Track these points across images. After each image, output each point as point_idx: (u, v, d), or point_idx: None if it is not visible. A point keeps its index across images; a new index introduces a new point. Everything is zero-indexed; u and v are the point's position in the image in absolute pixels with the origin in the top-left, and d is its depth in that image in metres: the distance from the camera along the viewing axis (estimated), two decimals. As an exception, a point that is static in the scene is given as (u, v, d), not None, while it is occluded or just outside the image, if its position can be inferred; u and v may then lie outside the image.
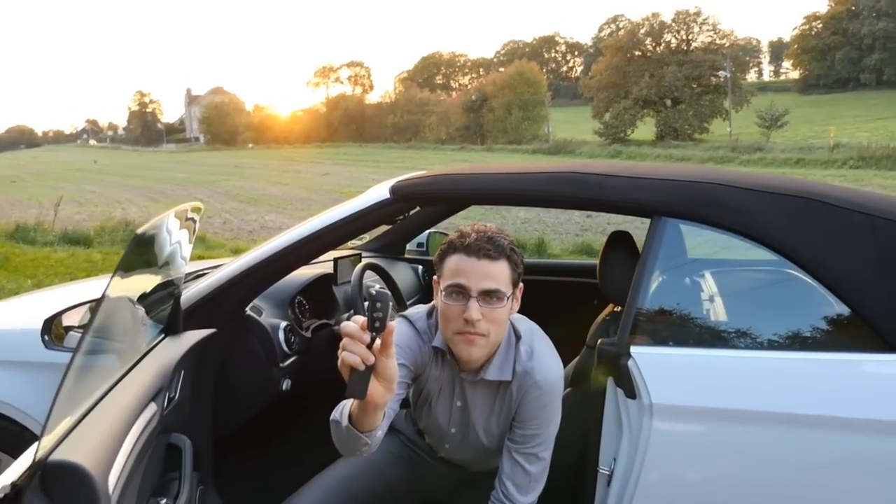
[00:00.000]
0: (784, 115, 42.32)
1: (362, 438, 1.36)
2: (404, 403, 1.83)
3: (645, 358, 1.77)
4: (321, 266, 2.80)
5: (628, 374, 1.77)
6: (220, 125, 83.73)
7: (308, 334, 2.45)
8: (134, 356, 1.67)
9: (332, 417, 1.45)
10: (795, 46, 75.92)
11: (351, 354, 1.15)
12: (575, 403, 1.96)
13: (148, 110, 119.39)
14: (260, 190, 24.73)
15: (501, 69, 72.82)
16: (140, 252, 1.49)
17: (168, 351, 1.76)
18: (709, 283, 2.10)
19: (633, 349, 1.78)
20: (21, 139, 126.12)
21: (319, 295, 2.68)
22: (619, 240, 2.18)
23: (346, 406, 1.40)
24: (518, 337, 1.71)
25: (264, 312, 2.30)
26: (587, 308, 2.50)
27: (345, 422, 1.37)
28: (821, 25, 72.61)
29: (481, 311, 1.54)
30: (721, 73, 51.50)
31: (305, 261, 2.14)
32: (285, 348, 2.23)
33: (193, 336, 1.88)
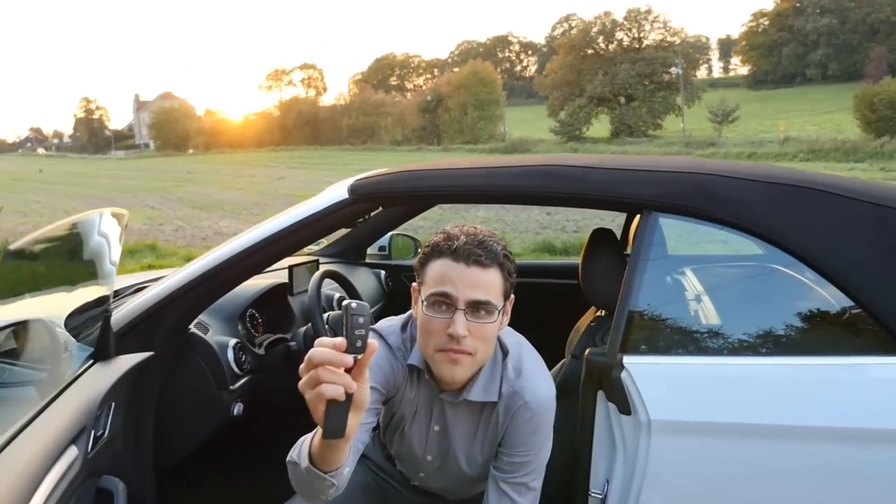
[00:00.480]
0: (735, 110, 43.13)
1: (327, 480, 1.15)
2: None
3: (640, 369, 1.60)
4: (274, 275, 2.57)
5: (621, 387, 1.59)
6: (171, 131, 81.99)
7: (261, 351, 2.21)
8: (54, 388, 1.43)
9: (288, 459, 1.23)
10: (743, 43, 77.78)
11: (332, 386, 0.96)
12: (560, 421, 1.76)
13: (95, 117, 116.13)
14: (213, 196, 24.13)
15: (456, 69, 72.88)
16: (16, 269, 1.24)
17: (95, 381, 1.52)
18: (702, 283, 1.94)
19: (626, 359, 1.61)
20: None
21: (273, 307, 2.44)
22: (603, 238, 2.01)
23: (304, 444, 1.19)
24: (505, 352, 1.51)
25: (211, 329, 2.06)
26: (565, 312, 2.32)
27: (304, 463, 1.15)
28: (767, 22, 74.54)
29: (468, 325, 1.34)
30: (673, 70, 52.39)
31: (257, 270, 1.91)
32: (235, 368, 2.00)
33: (127, 361, 1.64)
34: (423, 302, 1.38)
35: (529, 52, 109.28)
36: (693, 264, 1.97)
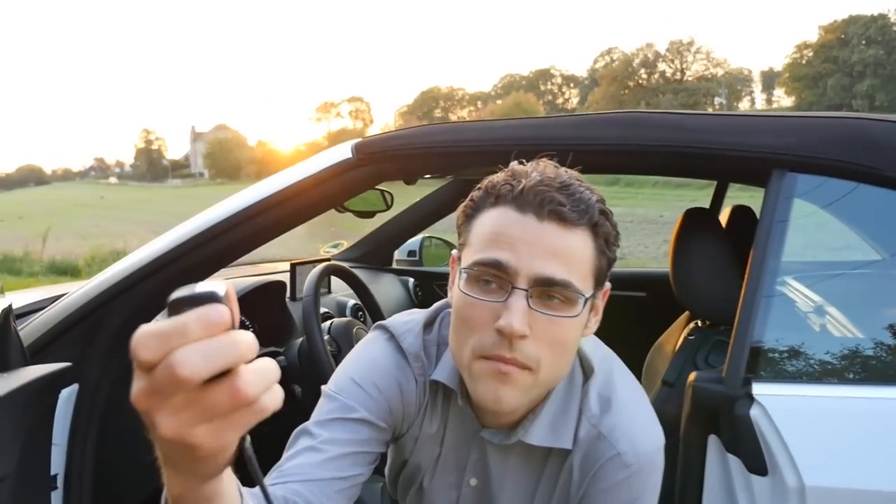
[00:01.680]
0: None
1: None
2: (377, 470, 1.02)
3: (781, 404, 1.05)
4: (273, 275, 2.07)
5: (751, 431, 1.04)
6: (224, 160, 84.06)
7: (244, 369, 1.71)
8: None
9: None
10: (787, 75, 76.45)
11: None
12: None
13: (154, 147, 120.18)
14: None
15: (499, 101, 73.02)
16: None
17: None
18: (858, 281, 1.36)
19: (758, 389, 1.06)
20: (30, 177, 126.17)
21: (269, 313, 1.93)
22: (701, 221, 1.46)
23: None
24: (587, 374, 0.94)
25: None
26: (631, 325, 1.77)
27: None
28: (811, 54, 73.17)
29: (532, 317, 0.79)
30: (716, 100, 51.73)
31: (237, 251, 1.41)
32: None
33: (28, 374, 1.15)
34: (461, 275, 0.85)
35: (571, 85, 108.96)
36: (844, 251, 1.40)
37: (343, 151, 1.36)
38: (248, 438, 0.50)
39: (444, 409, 0.99)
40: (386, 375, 0.96)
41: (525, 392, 0.83)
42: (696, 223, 1.44)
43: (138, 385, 0.45)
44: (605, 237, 0.83)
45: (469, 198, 0.88)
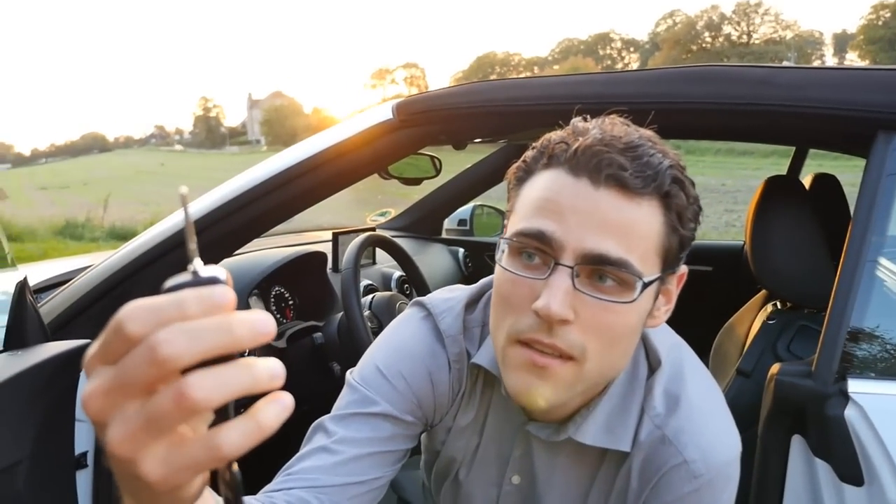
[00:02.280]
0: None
1: None
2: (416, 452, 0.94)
3: (882, 405, 0.90)
4: (316, 244, 1.98)
5: (846, 435, 0.90)
6: (280, 127, 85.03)
7: (282, 343, 1.62)
8: None
9: None
10: (861, 37, 72.66)
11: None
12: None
13: (212, 115, 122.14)
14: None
15: (556, 67, 71.64)
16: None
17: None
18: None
19: (854, 386, 0.91)
20: (94, 145, 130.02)
21: (310, 286, 1.85)
22: (785, 191, 1.30)
23: None
24: (653, 367, 0.81)
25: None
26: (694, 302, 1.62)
27: None
28: (889, 14, 69.20)
29: (577, 300, 0.66)
30: (785, 65, 49.91)
31: (267, 224, 1.31)
32: None
33: (47, 350, 1.08)
34: (502, 246, 0.73)
35: (631, 49, 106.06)
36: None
37: (384, 112, 1.24)
38: (236, 469, 0.38)
39: (484, 396, 0.88)
40: (415, 363, 0.85)
41: (565, 388, 0.70)
42: (779, 192, 1.28)
43: (98, 379, 0.34)
44: (679, 211, 0.69)
45: (522, 158, 0.75)
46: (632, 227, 0.67)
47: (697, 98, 1.06)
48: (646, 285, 0.67)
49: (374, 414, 0.83)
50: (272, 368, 0.35)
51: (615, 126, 0.71)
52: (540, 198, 0.69)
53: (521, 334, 0.69)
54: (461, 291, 0.91)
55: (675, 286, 0.75)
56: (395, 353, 0.86)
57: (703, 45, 56.07)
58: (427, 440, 0.96)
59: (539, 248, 0.68)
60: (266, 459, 1.93)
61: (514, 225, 0.72)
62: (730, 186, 15.06)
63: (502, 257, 0.72)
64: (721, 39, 56.37)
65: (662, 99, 1.08)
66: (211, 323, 0.33)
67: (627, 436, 0.79)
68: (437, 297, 0.91)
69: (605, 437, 0.79)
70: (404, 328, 0.89)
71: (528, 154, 0.75)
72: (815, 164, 1.92)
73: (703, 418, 0.78)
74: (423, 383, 0.85)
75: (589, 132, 0.69)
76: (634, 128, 0.71)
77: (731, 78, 1.06)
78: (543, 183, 0.70)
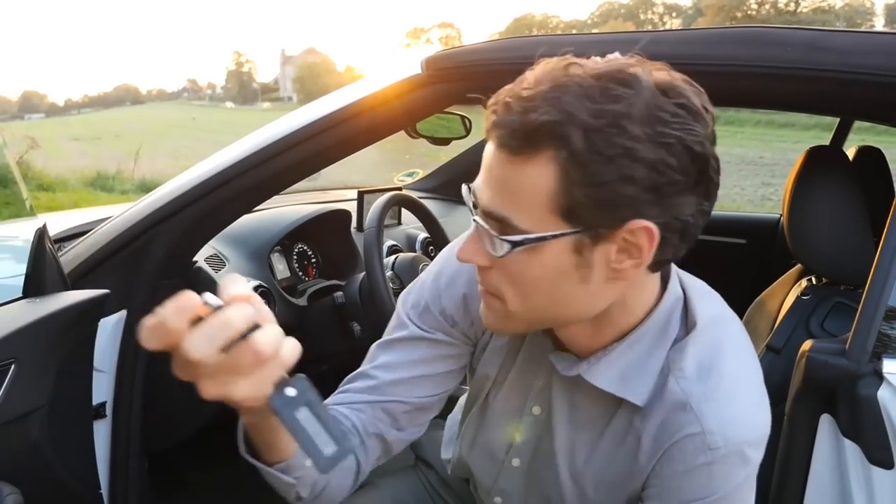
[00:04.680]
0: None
1: (281, 478, 0.77)
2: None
3: (919, 387, 0.86)
4: (342, 202, 1.97)
5: (878, 415, 0.87)
6: (313, 85, 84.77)
7: (302, 302, 1.61)
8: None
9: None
10: (915, 7, 69.96)
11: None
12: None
13: (244, 70, 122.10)
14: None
15: (595, 31, 70.34)
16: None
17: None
18: None
19: (889, 367, 0.88)
20: (127, 97, 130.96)
21: (334, 245, 1.84)
22: (828, 162, 1.24)
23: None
24: (690, 327, 0.78)
25: (228, 265, 1.48)
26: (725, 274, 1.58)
27: (241, 448, 0.78)
28: (946, -16, 66.50)
29: (487, 251, 0.71)
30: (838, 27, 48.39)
31: (289, 180, 1.29)
32: None
33: (59, 301, 1.08)
34: None
35: (674, 14, 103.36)
36: None
37: (412, 67, 1.21)
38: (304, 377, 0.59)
39: None
40: (451, 284, 0.89)
41: (502, 320, 0.77)
42: (821, 164, 1.23)
43: (174, 362, 0.57)
44: (580, 164, 0.63)
45: None
46: (516, 185, 0.67)
47: (741, 60, 1.01)
48: (518, 243, 0.67)
49: (407, 338, 0.89)
50: (244, 315, 0.56)
51: (536, 72, 0.68)
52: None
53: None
54: None
55: (639, 240, 0.67)
56: (435, 275, 0.91)
57: (749, 13, 54.48)
58: (470, 359, 0.96)
59: (474, 203, 0.73)
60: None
61: None
62: (768, 159, 14.72)
63: None
64: (767, 7, 54.72)
65: (704, 61, 1.03)
66: (216, 324, 0.55)
67: (643, 389, 0.77)
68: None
69: (618, 384, 0.78)
70: (448, 250, 0.93)
71: None
72: (858, 139, 1.85)
73: (732, 392, 0.76)
74: (457, 302, 0.88)
75: (508, 88, 0.68)
76: (564, 70, 0.66)
77: (778, 40, 1.00)
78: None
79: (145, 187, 11.00)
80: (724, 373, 0.76)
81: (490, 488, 0.97)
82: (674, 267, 0.80)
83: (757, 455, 0.76)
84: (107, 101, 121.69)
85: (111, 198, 10.14)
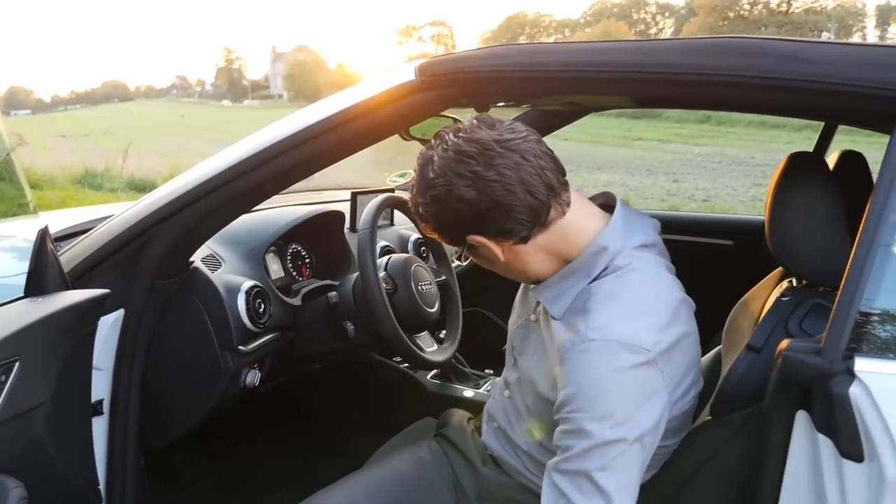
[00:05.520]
0: None
1: None
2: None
3: (888, 385, 0.90)
4: (335, 203, 1.99)
5: (849, 412, 0.91)
6: (304, 82, 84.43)
7: (296, 301, 1.64)
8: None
9: None
10: (905, 8, 70.46)
11: None
12: (725, 454, 1.11)
13: (234, 67, 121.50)
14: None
15: (588, 30, 70.45)
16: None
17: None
18: None
19: (861, 365, 0.92)
20: (115, 93, 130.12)
21: (328, 245, 1.87)
22: (807, 167, 1.28)
23: None
24: (610, 271, 1.07)
25: (224, 265, 1.50)
26: (713, 276, 1.63)
27: None
28: (936, -13, 66.92)
29: None
30: (824, 36, 48.42)
31: (285, 182, 1.33)
32: (248, 322, 1.43)
33: (68, 298, 1.11)
34: None
35: (666, 14, 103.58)
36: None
37: (406, 73, 1.24)
38: None
39: None
40: None
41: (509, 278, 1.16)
42: (801, 169, 1.26)
43: None
44: (425, 222, 1.09)
45: None
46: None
47: (726, 70, 1.05)
48: (460, 255, 1.15)
49: None
50: None
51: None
52: None
53: None
54: None
55: (481, 244, 1.06)
56: None
57: (741, 13, 54.70)
58: None
59: None
60: (280, 410, 1.97)
61: None
62: (759, 160, 14.83)
63: None
64: (760, 7, 54.96)
65: (689, 70, 1.07)
66: None
67: (561, 307, 1.07)
68: None
69: (550, 301, 1.09)
70: None
71: None
72: (849, 141, 1.89)
73: (621, 309, 1.00)
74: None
75: None
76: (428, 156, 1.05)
77: (761, 51, 1.04)
78: None
79: (134, 185, 10.95)
80: (624, 298, 1.02)
81: (504, 383, 1.29)
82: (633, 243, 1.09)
83: (630, 358, 0.96)
84: (94, 98, 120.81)
85: (100, 196, 10.08)
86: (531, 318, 1.21)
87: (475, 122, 1.05)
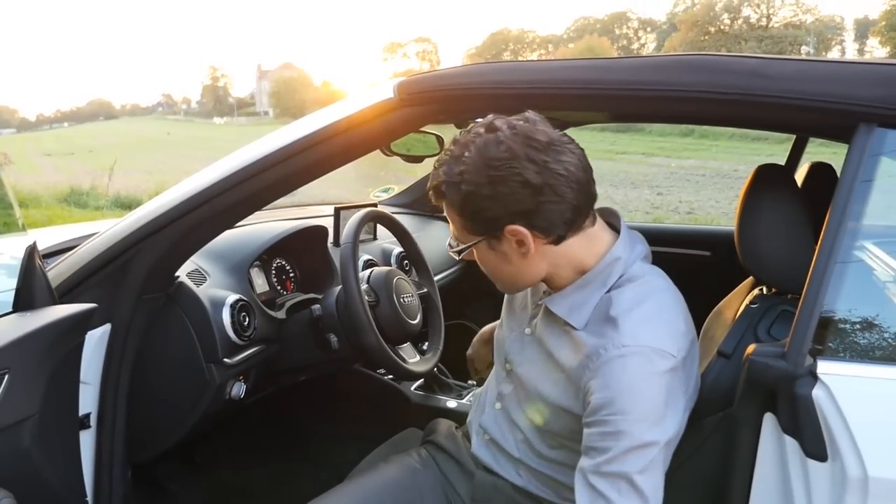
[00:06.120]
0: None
1: None
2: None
3: (848, 386, 0.95)
4: (319, 218, 2.02)
5: (812, 413, 0.95)
6: (289, 99, 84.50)
7: (281, 314, 1.67)
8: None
9: None
10: (883, 23, 71.54)
11: None
12: (701, 456, 1.15)
13: (220, 84, 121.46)
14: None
15: (571, 45, 71.09)
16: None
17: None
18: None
19: (823, 367, 0.96)
20: (100, 111, 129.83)
21: (311, 259, 1.89)
22: (774, 179, 1.33)
23: None
24: (626, 279, 1.11)
25: (209, 279, 1.53)
26: (691, 287, 1.66)
27: None
28: (912, 0, 68.07)
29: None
30: (803, 49, 48.99)
31: (274, 192, 1.35)
32: (232, 335, 1.45)
33: (56, 312, 1.13)
34: None
35: (648, 29, 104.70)
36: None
37: (385, 91, 1.28)
38: None
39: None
40: None
41: (500, 287, 1.19)
42: (768, 181, 1.31)
43: None
44: (458, 204, 1.06)
45: None
46: (450, 218, 1.12)
47: (690, 86, 1.09)
48: (462, 250, 1.12)
49: None
50: None
51: (464, 138, 1.07)
52: None
53: None
54: None
55: (520, 237, 1.05)
56: None
57: (722, 28, 55.39)
58: None
59: None
60: (265, 422, 1.99)
61: None
62: (742, 172, 14.96)
63: None
64: (740, 22, 55.68)
65: (655, 86, 1.11)
66: None
67: (583, 318, 1.09)
68: None
69: (567, 311, 1.11)
70: None
71: None
72: (830, 152, 1.94)
73: (647, 317, 1.05)
74: None
75: None
76: (460, 143, 1.07)
77: (724, 68, 1.09)
78: None
79: (120, 203, 10.88)
80: (647, 307, 1.07)
81: (496, 395, 1.31)
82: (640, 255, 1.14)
83: (662, 363, 1.00)
84: (80, 116, 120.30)
85: (85, 214, 10.03)
86: (526, 332, 1.23)
87: (534, 116, 1.06)
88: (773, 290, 1.32)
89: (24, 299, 1.14)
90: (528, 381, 1.19)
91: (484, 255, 1.11)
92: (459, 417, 1.51)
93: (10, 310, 1.14)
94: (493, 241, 1.07)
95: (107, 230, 1.35)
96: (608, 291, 1.09)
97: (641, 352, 1.00)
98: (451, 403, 1.99)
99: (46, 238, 1.56)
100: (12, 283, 1.17)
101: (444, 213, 1.12)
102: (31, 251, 1.13)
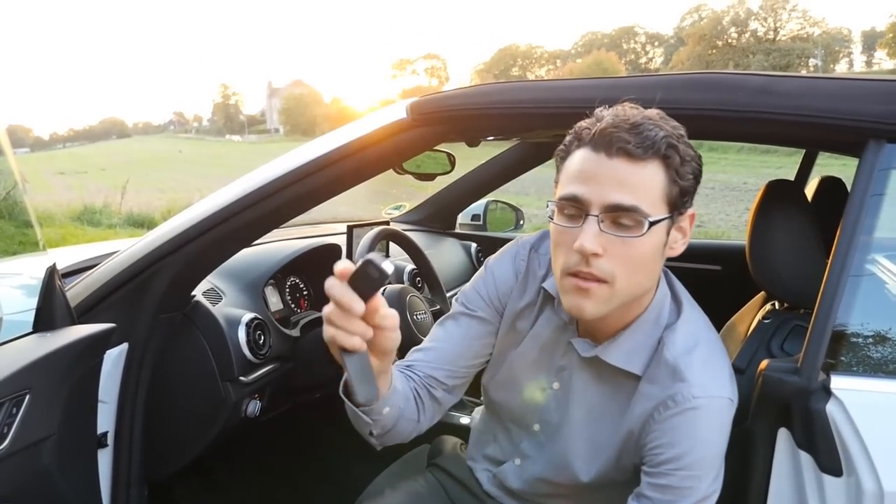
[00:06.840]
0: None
1: (362, 417, 0.99)
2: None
3: (862, 401, 0.95)
4: (331, 237, 2.04)
5: (827, 428, 0.95)
6: (300, 116, 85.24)
7: (295, 332, 1.68)
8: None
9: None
10: (890, 35, 71.40)
11: (344, 334, 0.80)
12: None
13: (231, 102, 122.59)
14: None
15: (579, 60, 71.33)
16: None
17: (9, 357, 1.03)
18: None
19: (837, 382, 0.97)
20: (113, 130, 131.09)
21: (325, 276, 1.90)
22: (785, 195, 1.34)
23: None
24: (677, 314, 1.04)
25: (225, 298, 1.55)
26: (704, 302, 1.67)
27: (341, 389, 0.99)
28: (920, 12, 67.87)
29: (603, 239, 0.93)
30: (811, 62, 48.89)
31: (289, 212, 1.37)
32: (248, 354, 1.47)
33: (75, 332, 1.15)
34: (552, 207, 1.00)
35: (656, 44, 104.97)
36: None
37: (398, 111, 1.30)
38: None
39: (540, 310, 1.13)
40: (505, 271, 1.16)
41: (603, 303, 0.96)
42: (779, 196, 1.32)
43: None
44: (676, 168, 0.93)
45: (562, 143, 1.00)
46: (638, 183, 0.92)
47: (698, 105, 1.11)
48: (652, 223, 0.92)
49: (456, 314, 1.18)
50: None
51: (626, 110, 0.95)
52: (574, 170, 0.96)
53: (570, 268, 0.95)
54: (527, 237, 1.19)
55: (687, 224, 0.99)
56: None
57: (729, 41, 55.53)
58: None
59: (574, 206, 0.94)
60: (280, 439, 1.99)
61: (558, 191, 0.98)
62: (752, 185, 14.95)
63: (553, 215, 0.98)
64: (747, 35, 55.84)
65: (664, 105, 1.12)
66: (358, 329, 0.80)
67: (641, 363, 1.02)
68: (513, 242, 1.20)
69: (623, 359, 1.02)
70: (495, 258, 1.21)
71: (566, 139, 1.00)
72: (840, 164, 1.94)
73: (708, 362, 0.99)
74: (507, 275, 1.15)
75: (604, 118, 0.95)
76: (640, 110, 0.95)
77: (732, 86, 1.10)
78: (576, 159, 0.96)
79: (133, 220, 10.97)
80: (702, 349, 1.00)
81: (512, 450, 1.20)
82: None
83: (729, 413, 0.97)
84: (92, 135, 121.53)
85: (99, 232, 10.10)
86: (555, 386, 1.12)
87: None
88: (786, 304, 1.32)
89: (44, 319, 1.16)
90: (564, 440, 1.11)
91: (654, 238, 0.94)
92: (466, 434, 1.51)
93: (30, 330, 1.16)
94: (673, 222, 0.96)
95: (124, 250, 1.38)
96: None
97: (711, 404, 0.96)
98: (464, 420, 1.99)
99: (66, 257, 1.58)
100: (32, 302, 1.19)
101: (618, 178, 0.92)
102: (52, 272, 1.16)
